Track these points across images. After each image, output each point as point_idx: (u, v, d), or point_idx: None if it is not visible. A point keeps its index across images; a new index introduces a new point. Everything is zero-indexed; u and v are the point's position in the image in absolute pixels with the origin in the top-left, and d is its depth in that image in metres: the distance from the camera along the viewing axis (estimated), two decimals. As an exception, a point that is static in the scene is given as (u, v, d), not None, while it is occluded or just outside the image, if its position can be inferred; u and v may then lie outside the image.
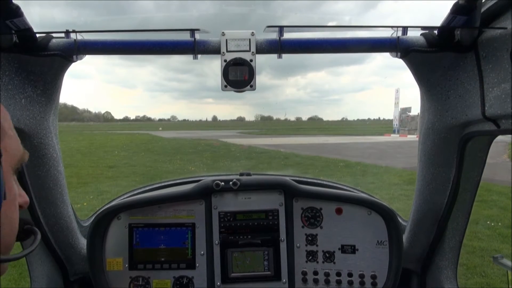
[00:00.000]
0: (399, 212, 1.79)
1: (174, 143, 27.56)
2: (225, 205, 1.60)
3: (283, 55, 1.22)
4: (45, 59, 1.14)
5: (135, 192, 1.83)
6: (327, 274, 1.59)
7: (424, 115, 1.36)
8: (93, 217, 1.58)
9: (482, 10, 1.06)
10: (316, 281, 1.60)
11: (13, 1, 0.98)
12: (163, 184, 1.87)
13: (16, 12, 1.00)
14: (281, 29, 1.16)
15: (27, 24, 1.05)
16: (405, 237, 1.65)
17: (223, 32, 1.18)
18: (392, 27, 1.16)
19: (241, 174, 1.69)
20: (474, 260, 5.22)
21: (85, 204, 8.03)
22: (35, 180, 1.32)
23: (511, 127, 1.05)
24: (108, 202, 1.74)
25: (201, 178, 1.68)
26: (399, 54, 1.20)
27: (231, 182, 1.58)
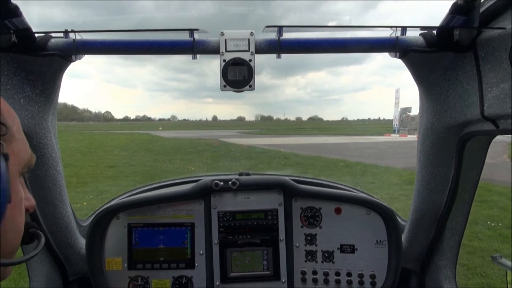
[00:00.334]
0: (399, 212, 1.79)
1: (174, 143, 27.56)
2: (224, 205, 1.60)
3: (283, 55, 1.22)
4: (44, 59, 1.14)
5: (134, 192, 1.83)
6: (326, 274, 1.59)
7: (423, 115, 1.36)
8: (92, 217, 1.58)
9: (481, 10, 1.06)
10: (315, 280, 1.60)
11: (12, 0, 0.98)
12: (162, 184, 1.87)
13: (15, 11, 1.00)
14: (280, 29, 1.16)
15: (26, 24, 1.05)
16: (404, 236, 1.65)
17: (222, 32, 1.18)
18: (391, 27, 1.16)
19: (240, 174, 1.69)
20: (475, 261, 5.20)
21: (84, 203, 8.04)
22: (34, 180, 1.32)
23: (510, 127, 1.05)
24: (107, 202, 1.74)
25: (200, 178, 1.68)
26: (398, 54, 1.20)
27: (230, 182, 1.58)
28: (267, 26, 1.17)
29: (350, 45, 1.20)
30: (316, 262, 1.61)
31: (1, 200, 0.63)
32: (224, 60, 1.17)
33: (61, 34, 1.16)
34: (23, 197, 0.74)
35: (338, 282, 1.59)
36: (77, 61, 1.23)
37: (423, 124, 1.36)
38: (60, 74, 1.24)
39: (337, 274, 1.59)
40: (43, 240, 0.81)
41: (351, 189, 1.81)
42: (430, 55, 1.17)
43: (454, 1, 1.03)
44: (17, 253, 0.77)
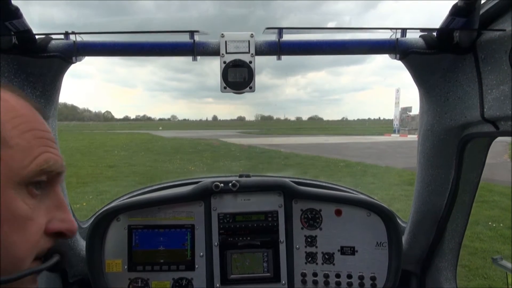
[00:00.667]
0: (400, 213, 1.79)
1: (174, 143, 27.59)
2: (224, 206, 1.60)
3: (283, 56, 1.22)
4: (44, 61, 1.14)
5: (135, 193, 1.83)
6: (326, 276, 1.59)
7: (423, 116, 1.36)
8: (92, 219, 1.58)
9: (481, 12, 1.06)
10: (315, 282, 1.60)
11: (12, 1, 0.98)
12: (162, 185, 1.87)
13: (16, 13, 1.00)
14: (280, 30, 1.16)
15: (26, 25, 1.05)
16: (404, 238, 1.65)
17: (222, 34, 1.18)
18: (391, 29, 1.16)
19: (241, 176, 1.69)
20: (476, 262, 5.18)
21: (84, 204, 8.04)
22: None
23: (510, 128, 1.05)
24: (108, 203, 1.74)
25: (200, 180, 1.68)
26: (398, 56, 1.19)
27: (230, 184, 1.57)
28: (267, 28, 1.17)
29: (350, 47, 1.20)
30: (317, 264, 1.61)
31: None
32: (224, 62, 1.17)
33: (62, 36, 1.16)
34: (29, 215, 0.63)
35: (338, 284, 1.58)
36: (78, 62, 1.23)
37: (423, 126, 1.36)
38: (61, 75, 1.24)
39: (338, 276, 1.59)
40: (55, 259, 0.71)
41: (351, 191, 1.81)
42: (430, 57, 1.17)
43: (454, 2, 1.03)
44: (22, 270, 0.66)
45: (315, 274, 1.60)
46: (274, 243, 1.59)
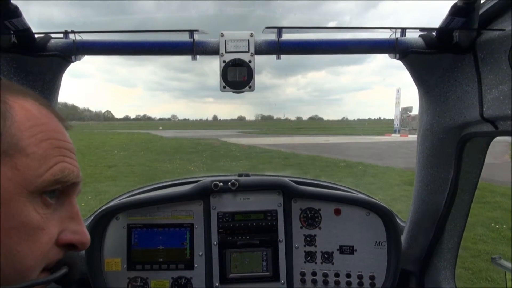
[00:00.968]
0: (402, 214, 1.79)
1: (174, 143, 27.59)
2: (223, 205, 1.60)
3: (283, 56, 1.22)
4: (43, 60, 1.14)
5: (134, 192, 1.83)
6: (325, 275, 1.59)
7: (423, 116, 1.36)
8: (92, 218, 1.58)
9: (480, 11, 1.06)
10: (314, 281, 1.60)
11: (11, 1, 0.98)
12: (161, 184, 1.87)
13: (15, 12, 1.00)
14: (280, 30, 1.16)
15: (25, 24, 1.05)
16: (403, 238, 1.65)
17: (222, 33, 1.18)
18: (390, 28, 1.16)
19: (240, 175, 1.69)
20: (479, 264, 5.07)
21: (83, 204, 8.00)
22: None
23: (510, 128, 1.05)
24: (107, 202, 1.74)
25: (199, 179, 1.68)
26: (397, 55, 1.19)
27: (229, 183, 1.58)
28: (267, 27, 1.17)
29: (350, 46, 1.20)
30: (316, 263, 1.61)
31: None
32: (224, 61, 1.17)
33: (61, 35, 1.16)
34: (40, 225, 0.61)
35: (337, 283, 1.59)
36: (77, 61, 1.23)
37: (423, 126, 1.36)
38: (60, 74, 1.24)
39: (337, 275, 1.59)
40: (63, 271, 0.68)
41: (350, 190, 1.81)
42: (430, 57, 1.17)
43: (453, 2, 1.03)
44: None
45: (314, 273, 1.60)
46: (273, 242, 1.59)
